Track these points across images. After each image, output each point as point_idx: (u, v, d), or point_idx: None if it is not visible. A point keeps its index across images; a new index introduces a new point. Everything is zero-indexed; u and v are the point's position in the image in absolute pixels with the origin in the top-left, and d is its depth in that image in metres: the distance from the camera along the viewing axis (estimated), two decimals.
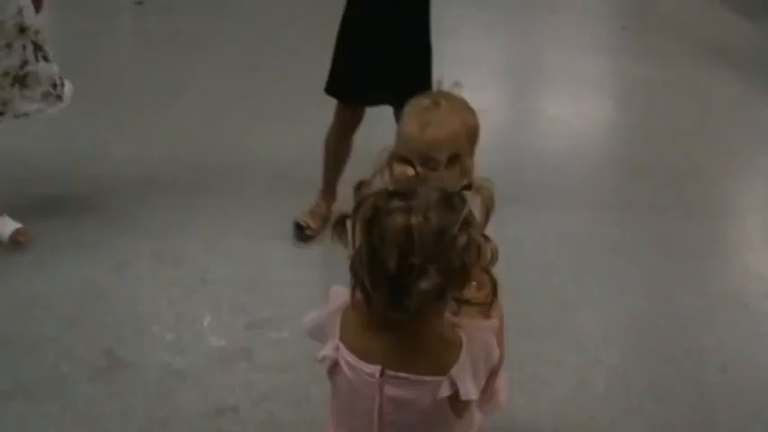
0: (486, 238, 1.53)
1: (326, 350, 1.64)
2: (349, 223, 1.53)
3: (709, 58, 6.69)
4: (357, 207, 1.49)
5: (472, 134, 2.13)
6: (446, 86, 2.22)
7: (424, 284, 1.43)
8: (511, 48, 6.81)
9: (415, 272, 1.43)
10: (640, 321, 3.47)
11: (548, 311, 3.44)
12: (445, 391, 1.54)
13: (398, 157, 1.55)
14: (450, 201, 1.48)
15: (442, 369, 1.54)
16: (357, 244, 1.50)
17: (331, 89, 3.70)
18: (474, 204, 1.53)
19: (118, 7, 7.24)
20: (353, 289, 1.54)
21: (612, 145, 5.24)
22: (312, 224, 3.82)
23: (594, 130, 5.30)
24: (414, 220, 1.43)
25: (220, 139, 4.72)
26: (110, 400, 2.91)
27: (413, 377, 1.56)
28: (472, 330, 1.58)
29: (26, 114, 3.53)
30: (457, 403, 1.58)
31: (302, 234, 3.80)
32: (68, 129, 4.58)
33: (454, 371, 1.54)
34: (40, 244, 3.69)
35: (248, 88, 5.39)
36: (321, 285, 3.50)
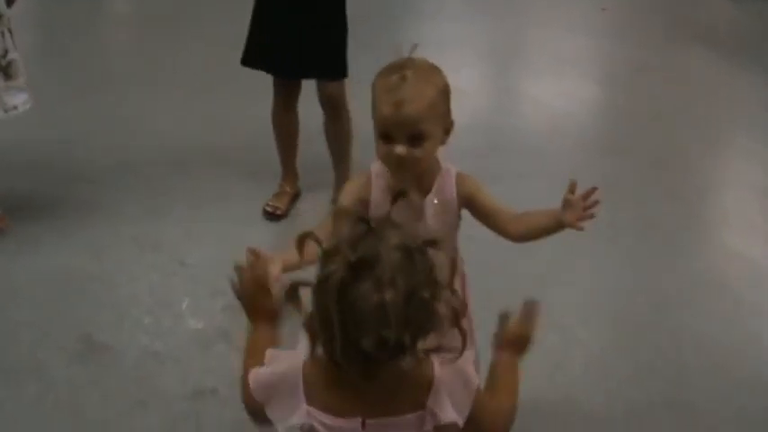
0: (453, 292, 1.48)
1: (298, 418, 1.54)
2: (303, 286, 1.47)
3: (689, 39, 6.71)
4: (320, 281, 1.40)
5: (445, 94, 2.10)
6: (405, 51, 2.18)
7: (404, 363, 1.40)
8: (492, 30, 6.80)
9: (391, 347, 1.36)
10: (619, 301, 3.49)
11: (526, 292, 3.42)
12: (429, 425, 1.53)
13: (345, 211, 1.50)
14: (413, 258, 1.39)
15: (421, 403, 1.52)
16: (314, 307, 1.42)
17: (244, 60, 3.77)
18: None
19: None
20: (312, 348, 1.46)
21: (593, 125, 5.25)
22: (280, 205, 3.89)
23: (575, 110, 5.30)
24: (387, 295, 1.34)
25: (199, 123, 4.70)
26: (89, 383, 2.91)
27: (395, 419, 1.52)
28: (442, 358, 1.53)
29: (15, 108, 3.47)
30: (443, 430, 1.56)
31: (273, 216, 3.86)
32: (46, 114, 4.55)
33: (430, 401, 1.51)
34: (20, 230, 3.69)
35: (228, 69, 5.36)
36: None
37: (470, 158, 4.21)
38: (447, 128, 2.11)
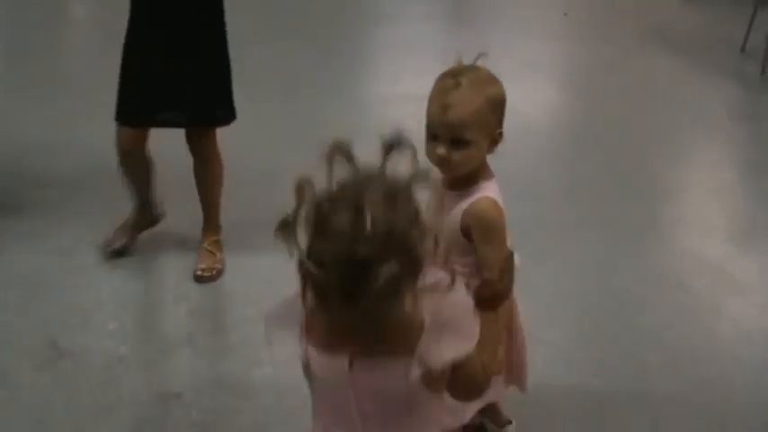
0: (437, 232, 1.49)
1: (293, 347, 1.58)
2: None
3: (649, 42, 6.80)
4: (298, 209, 1.42)
5: (497, 106, 2.19)
6: (468, 59, 2.28)
7: (380, 279, 1.37)
8: (455, 34, 6.83)
9: (368, 267, 1.37)
10: (581, 300, 3.54)
11: None
12: (416, 372, 1.51)
13: (340, 149, 1.44)
14: (395, 197, 1.42)
15: (409, 350, 1.51)
16: (305, 246, 1.42)
17: (119, 116, 3.38)
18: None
19: None
20: (304, 291, 1.45)
21: (554, 128, 5.31)
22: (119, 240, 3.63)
23: (538, 114, 5.35)
24: (365, 217, 1.37)
25: None
26: (54, 389, 2.92)
27: (382, 361, 1.53)
28: (436, 305, 1.52)
29: None
30: (431, 379, 1.55)
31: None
32: (9, 117, 4.55)
33: (419, 349, 1.51)
34: None
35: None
36: (264, 269, 3.53)
37: None
38: (494, 138, 2.20)
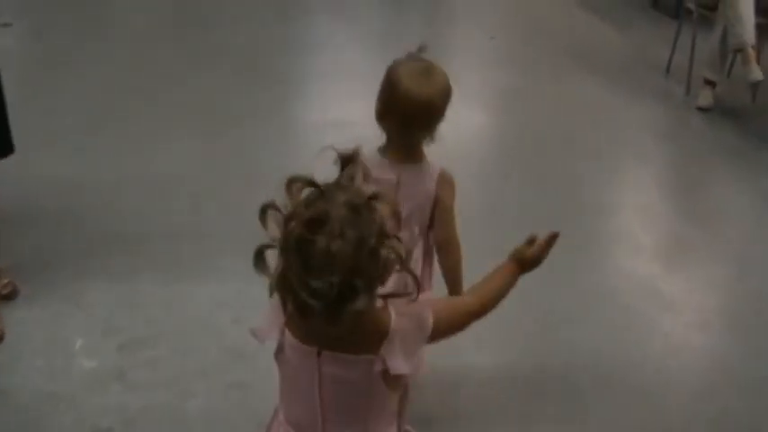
0: (399, 239, 1.65)
1: (273, 332, 1.78)
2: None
3: (575, 65, 6.89)
4: (283, 239, 1.59)
5: (450, 94, 2.54)
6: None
7: (358, 304, 1.56)
8: (381, 62, 6.86)
9: (344, 290, 1.54)
10: (511, 321, 3.52)
11: None
12: (378, 367, 1.69)
13: (296, 178, 1.62)
14: (360, 212, 1.58)
15: (374, 349, 1.69)
16: (281, 268, 1.60)
17: None
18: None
19: None
20: (284, 305, 1.65)
21: (481, 153, 5.32)
22: None
23: (463, 138, 5.37)
24: (334, 245, 1.53)
25: (91, 163, 4.64)
26: None
27: (348, 356, 1.70)
28: (401, 307, 1.73)
29: None
30: (389, 378, 1.72)
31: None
32: None
33: (384, 349, 1.69)
34: None
35: (119, 112, 5.33)
36: (193, 300, 3.51)
37: None
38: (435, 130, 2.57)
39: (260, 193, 1.65)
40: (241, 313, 3.35)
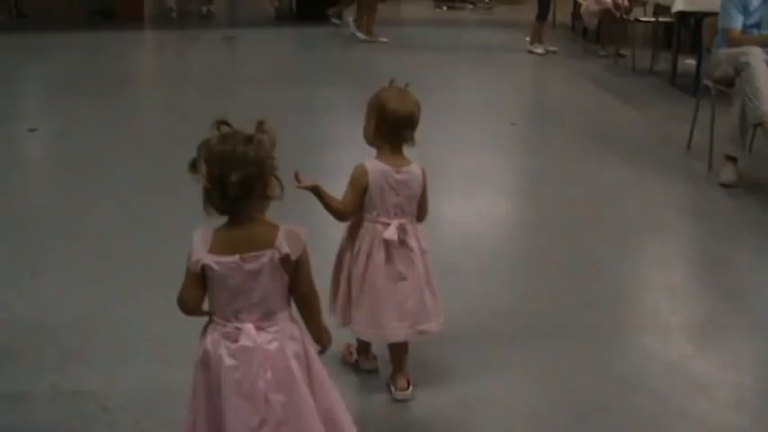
0: (273, 158, 2.55)
1: (198, 255, 2.56)
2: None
3: (597, 149, 6.93)
4: (202, 148, 2.51)
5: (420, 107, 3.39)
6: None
7: (254, 195, 2.52)
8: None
9: (249, 183, 2.50)
10: (540, 413, 3.49)
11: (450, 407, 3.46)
12: (276, 255, 2.54)
13: (221, 121, 2.55)
14: (250, 139, 2.52)
15: (271, 243, 2.55)
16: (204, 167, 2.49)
17: None
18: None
19: (11, 135, 7.21)
20: (206, 200, 2.53)
21: (506, 240, 5.32)
22: None
23: (488, 226, 5.40)
24: (240, 149, 2.49)
25: (117, 265, 4.68)
26: None
27: (257, 253, 2.54)
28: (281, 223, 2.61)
29: None
30: (287, 263, 2.57)
31: None
32: None
33: (277, 243, 2.55)
34: None
35: (146, 213, 5.39)
36: None
37: None
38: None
39: None
40: None
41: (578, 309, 4.28)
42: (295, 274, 2.62)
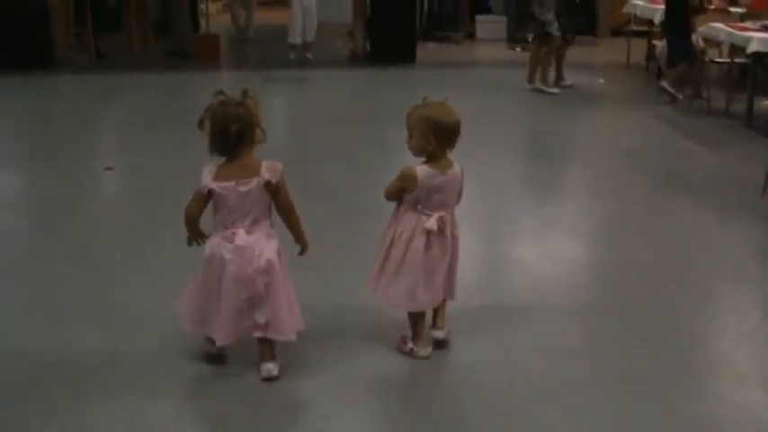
0: (257, 115, 3.73)
1: (205, 182, 3.71)
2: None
3: (670, 191, 6.85)
4: (207, 111, 3.70)
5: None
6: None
7: (245, 140, 3.69)
8: (474, 193, 6.90)
9: (241, 133, 3.68)
10: None
11: None
12: (262, 181, 3.68)
13: (219, 92, 3.72)
14: (241, 103, 3.68)
15: (257, 172, 3.68)
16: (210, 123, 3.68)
17: None
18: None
19: (88, 172, 7.35)
20: (211, 149, 3.72)
21: (578, 284, 5.24)
22: None
23: (560, 270, 5.33)
24: (233, 110, 3.68)
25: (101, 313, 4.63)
26: None
27: (247, 179, 3.68)
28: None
29: None
30: (270, 187, 3.71)
31: None
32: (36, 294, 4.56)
33: (261, 172, 3.68)
34: None
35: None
36: None
37: (458, 318, 4.25)
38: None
39: None
40: None
41: (651, 354, 4.21)
42: (276, 194, 3.74)
